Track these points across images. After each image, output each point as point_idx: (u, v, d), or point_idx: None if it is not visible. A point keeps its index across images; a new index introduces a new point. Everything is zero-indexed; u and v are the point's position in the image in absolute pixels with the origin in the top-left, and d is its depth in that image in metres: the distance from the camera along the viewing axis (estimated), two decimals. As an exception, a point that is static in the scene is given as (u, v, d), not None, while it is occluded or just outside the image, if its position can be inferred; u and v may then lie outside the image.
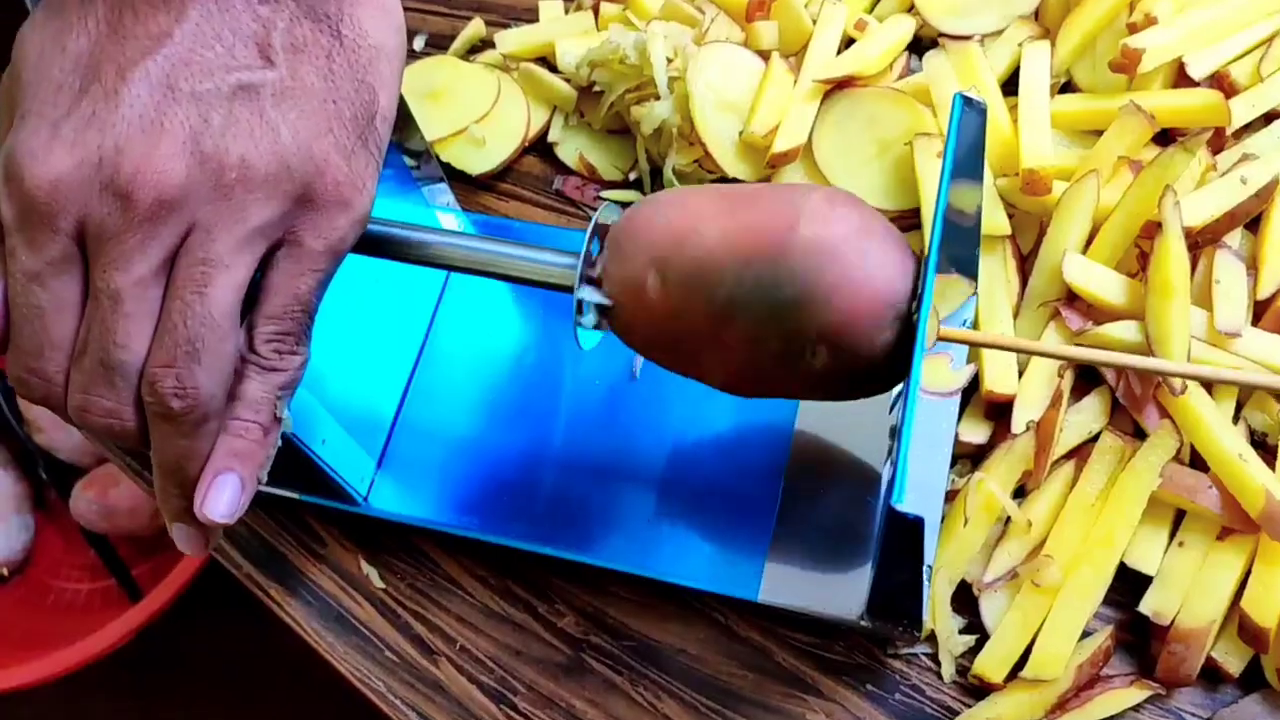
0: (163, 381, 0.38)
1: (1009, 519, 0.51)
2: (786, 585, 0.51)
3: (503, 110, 0.65)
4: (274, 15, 0.40)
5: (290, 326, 0.40)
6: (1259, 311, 0.53)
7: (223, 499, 0.40)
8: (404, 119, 0.54)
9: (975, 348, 0.52)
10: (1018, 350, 0.44)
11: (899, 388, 0.50)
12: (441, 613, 0.56)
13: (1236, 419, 0.52)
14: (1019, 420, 0.52)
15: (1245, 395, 0.52)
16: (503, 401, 0.57)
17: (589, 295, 0.44)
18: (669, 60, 0.60)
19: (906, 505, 0.35)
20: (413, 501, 0.55)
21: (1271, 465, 0.49)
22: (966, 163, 0.46)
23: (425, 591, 0.56)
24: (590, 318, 0.44)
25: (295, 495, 0.55)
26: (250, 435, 0.40)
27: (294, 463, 0.50)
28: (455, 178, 0.65)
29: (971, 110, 0.42)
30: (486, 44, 0.69)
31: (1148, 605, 0.49)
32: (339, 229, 0.40)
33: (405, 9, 0.71)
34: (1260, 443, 0.51)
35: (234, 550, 0.58)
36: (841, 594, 0.50)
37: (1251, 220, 0.55)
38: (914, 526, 0.36)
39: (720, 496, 0.53)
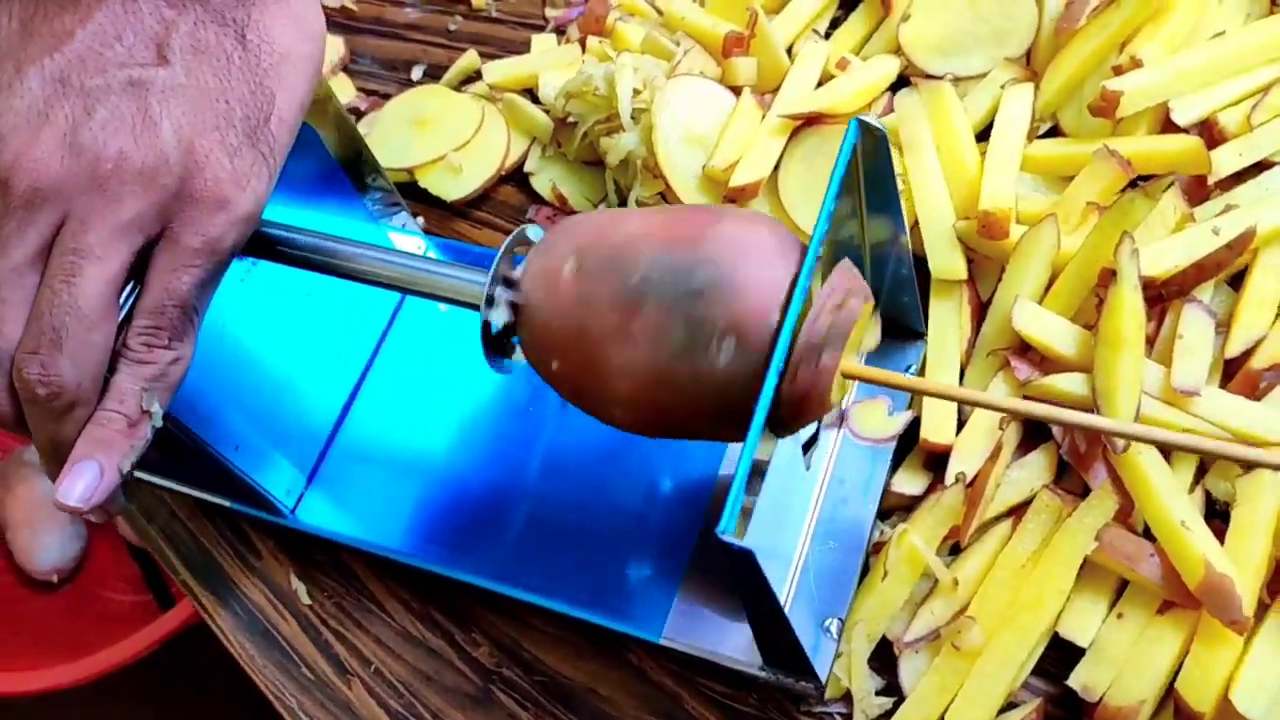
0: (28, 368, 0.39)
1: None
2: (692, 629, 0.48)
3: (484, 139, 0.65)
4: (178, 18, 0.41)
5: (163, 322, 0.40)
6: (1230, 372, 0.50)
7: (78, 486, 0.40)
8: (363, 152, 0.55)
9: (895, 389, 0.49)
10: (924, 393, 0.41)
11: (811, 429, 0.48)
12: (361, 633, 0.55)
13: (1196, 485, 0.48)
14: (952, 472, 0.49)
15: (1210, 460, 0.48)
16: (440, 427, 0.57)
17: (501, 292, 0.43)
18: (637, 92, 0.60)
19: (734, 535, 0.33)
20: (341, 519, 0.55)
21: (1224, 537, 0.45)
22: (878, 194, 0.44)
23: (349, 611, 0.56)
24: (500, 314, 0.43)
25: (227, 503, 0.55)
26: (113, 425, 0.40)
27: (214, 469, 0.51)
28: (432, 204, 0.66)
29: (869, 136, 0.40)
30: (481, 75, 0.70)
31: (1077, 679, 0.46)
32: (217, 226, 0.40)
33: (409, 40, 0.74)
34: (1223, 513, 0.47)
35: (173, 555, 0.59)
36: (746, 642, 0.47)
37: (1235, 276, 0.52)
38: (742, 557, 0.34)
39: (638, 534, 0.51)
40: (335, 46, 0.73)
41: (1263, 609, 0.45)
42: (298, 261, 0.46)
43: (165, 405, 0.42)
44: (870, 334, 0.41)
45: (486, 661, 0.53)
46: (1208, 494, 0.48)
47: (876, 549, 0.50)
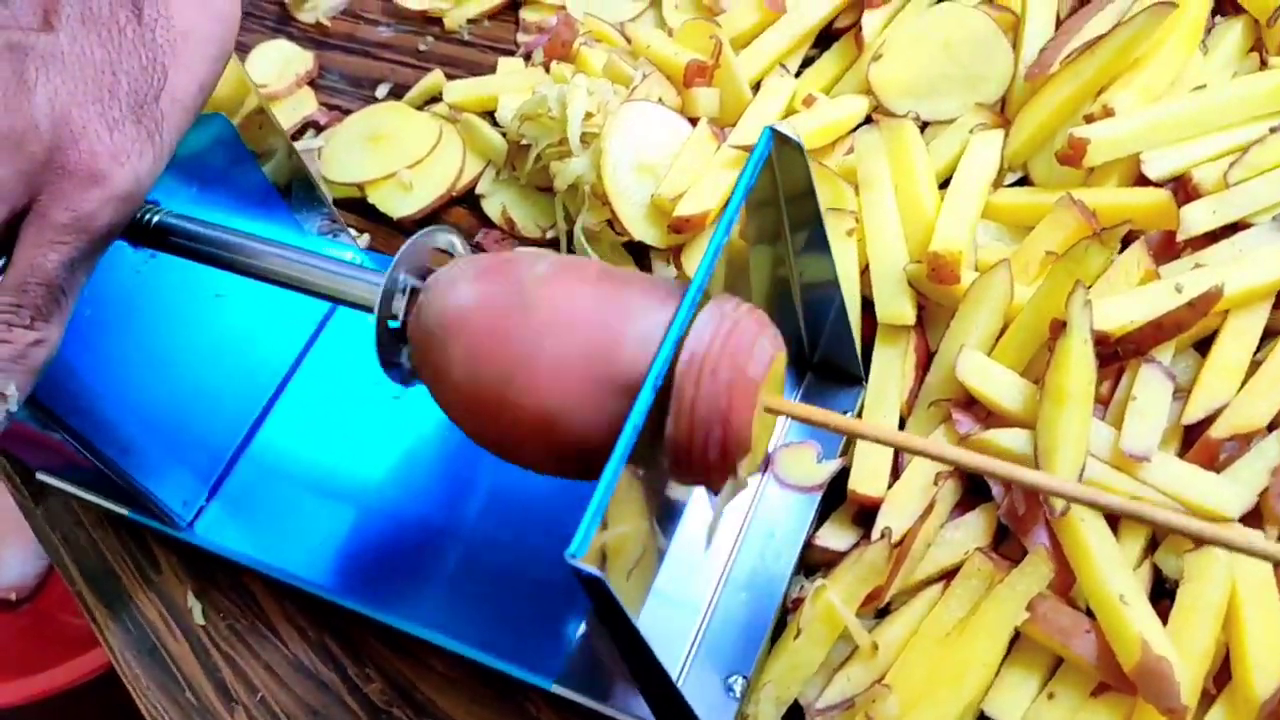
0: (-125, 335, 0.37)
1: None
2: (586, 678, 0.45)
3: (438, 158, 0.63)
4: None
5: (25, 300, 0.38)
6: (1191, 440, 0.46)
7: (-87, 467, 0.37)
8: (298, 171, 0.53)
9: (818, 427, 0.46)
10: (849, 432, 0.38)
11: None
12: (252, 659, 0.52)
13: (1145, 559, 0.44)
14: (878, 527, 0.45)
15: (1162, 534, 0.45)
16: (363, 452, 0.54)
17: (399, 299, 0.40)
18: (590, 116, 0.57)
19: (584, 560, 0.30)
20: (242, 537, 0.52)
21: (1166, 615, 0.41)
22: (804, 229, 0.41)
23: (243, 635, 0.52)
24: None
25: (125, 511, 0.52)
26: (-38, 406, 0.38)
27: (106, 472, 0.48)
28: (380, 221, 0.63)
29: (785, 148, 0.37)
30: (445, 97, 0.68)
31: (998, 762, 0.42)
32: (89, 202, 0.38)
33: (378, 58, 0.72)
34: (1173, 592, 0.43)
35: (70, 563, 0.56)
36: (639, 698, 0.43)
37: (1204, 342, 0.48)
38: (592, 585, 0.31)
39: (545, 580, 0.48)
40: (304, 61, 0.71)
41: (1208, 699, 0.41)
42: (189, 252, 0.43)
43: (25, 390, 0.39)
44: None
45: (377, 700, 0.50)
46: (1157, 570, 0.44)
47: (796, 605, 0.46)
